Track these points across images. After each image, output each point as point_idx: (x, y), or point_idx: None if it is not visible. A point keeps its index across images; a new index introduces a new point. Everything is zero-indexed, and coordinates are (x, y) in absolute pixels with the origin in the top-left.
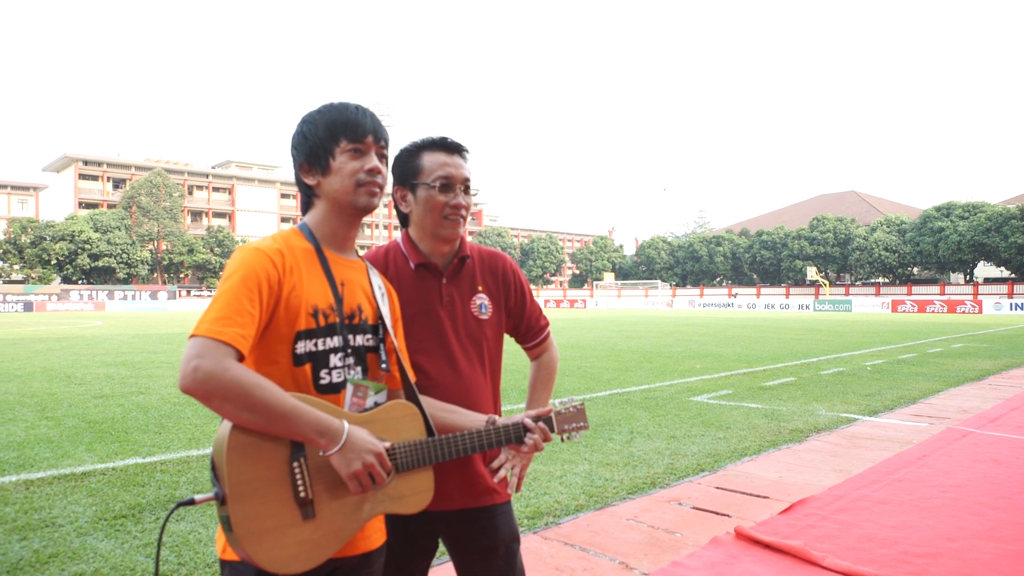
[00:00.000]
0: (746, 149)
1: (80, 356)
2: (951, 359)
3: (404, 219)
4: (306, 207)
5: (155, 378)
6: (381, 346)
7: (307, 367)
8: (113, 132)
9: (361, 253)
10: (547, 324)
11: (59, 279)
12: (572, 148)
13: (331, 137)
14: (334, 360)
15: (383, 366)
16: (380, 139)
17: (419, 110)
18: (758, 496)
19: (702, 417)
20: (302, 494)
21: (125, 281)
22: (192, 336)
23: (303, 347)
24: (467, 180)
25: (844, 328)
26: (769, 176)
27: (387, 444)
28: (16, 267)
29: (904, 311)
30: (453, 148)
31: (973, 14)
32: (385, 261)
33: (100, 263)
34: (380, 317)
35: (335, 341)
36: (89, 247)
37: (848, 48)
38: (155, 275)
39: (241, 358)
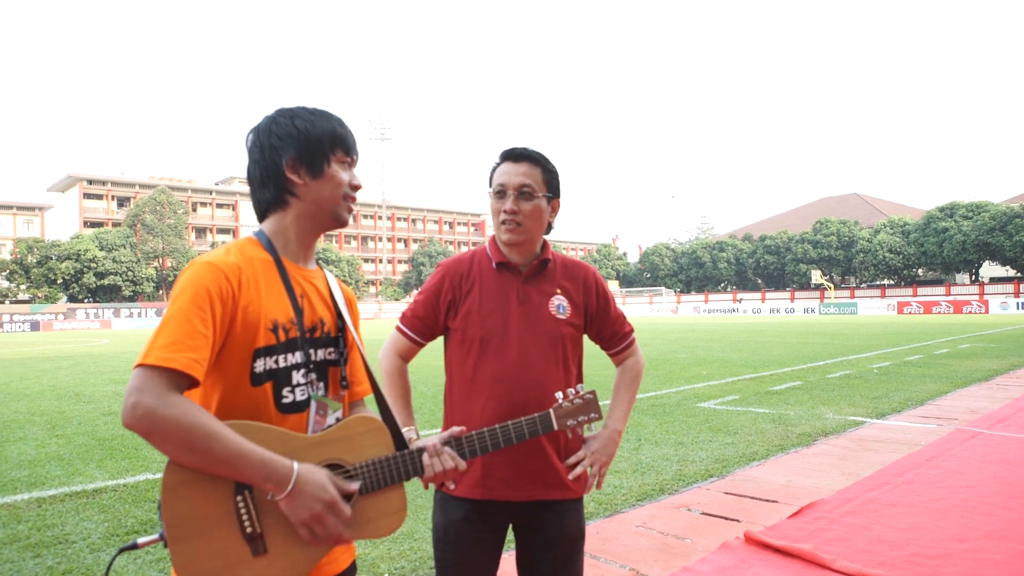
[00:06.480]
0: (747, 154)
1: (88, 374)
2: (958, 360)
3: None
4: (268, 209)
5: None
6: (342, 359)
7: (267, 386)
8: (117, 151)
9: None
10: (631, 331)
11: (65, 298)
12: (574, 157)
13: (331, 144)
14: (296, 377)
15: (343, 383)
16: (357, 157)
17: (419, 120)
18: (767, 501)
19: (710, 423)
20: (249, 529)
21: (131, 299)
22: (137, 366)
23: (262, 365)
24: (521, 186)
25: (850, 331)
26: (771, 181)
27: (351, 464)
28: (23, 287)
29: (910, 312)
30: (513, 156)
31: (973, 15)
32: (471, 263)
33: (106, 281)
34: (341, 328)
35: (297, 357)
36: (95, 266)
37: (849, 51)
38: (160, 292)
39: (196, 384)
